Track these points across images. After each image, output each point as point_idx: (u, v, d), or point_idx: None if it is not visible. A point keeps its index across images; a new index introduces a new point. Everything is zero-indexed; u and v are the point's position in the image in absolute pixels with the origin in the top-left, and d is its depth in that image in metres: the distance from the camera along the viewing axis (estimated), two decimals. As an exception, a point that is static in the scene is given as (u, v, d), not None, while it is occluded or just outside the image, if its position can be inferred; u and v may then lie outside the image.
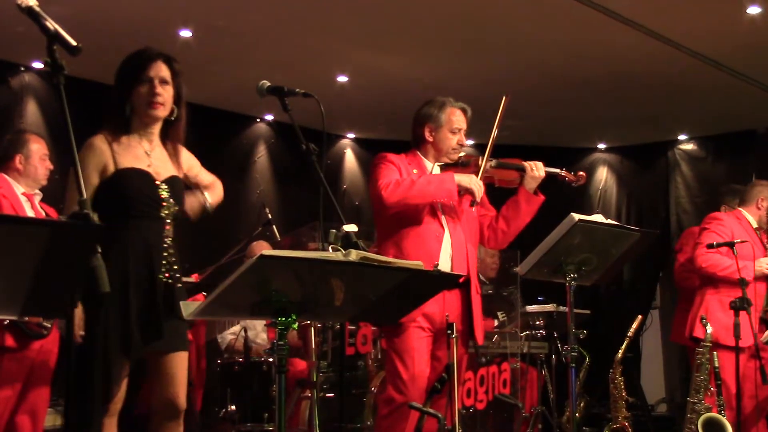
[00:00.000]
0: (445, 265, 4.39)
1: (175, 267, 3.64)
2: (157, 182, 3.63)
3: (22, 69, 7.07)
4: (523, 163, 4.65)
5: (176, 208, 3.68)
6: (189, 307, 2.73)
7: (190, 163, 3.93)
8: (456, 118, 4.59)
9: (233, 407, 6.13)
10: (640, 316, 5.54)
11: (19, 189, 4.97)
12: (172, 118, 3.73)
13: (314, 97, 3.33)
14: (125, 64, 3.69)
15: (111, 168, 3.56)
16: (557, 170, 4.70)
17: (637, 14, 6.22)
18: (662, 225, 9.67)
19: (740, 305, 5.41)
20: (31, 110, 7.06)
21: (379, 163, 4.48)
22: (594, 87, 8.03)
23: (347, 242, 3.05)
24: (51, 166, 5.15)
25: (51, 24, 2.44)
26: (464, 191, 4.43)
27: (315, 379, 5.25)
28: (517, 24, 6.54)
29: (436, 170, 4.56)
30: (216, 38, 6.68)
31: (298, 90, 3.43)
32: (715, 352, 5.42)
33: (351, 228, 3.14)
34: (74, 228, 2.12)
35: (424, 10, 6.29)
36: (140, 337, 3.47)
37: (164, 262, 3.59)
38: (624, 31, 6.42)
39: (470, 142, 9.83)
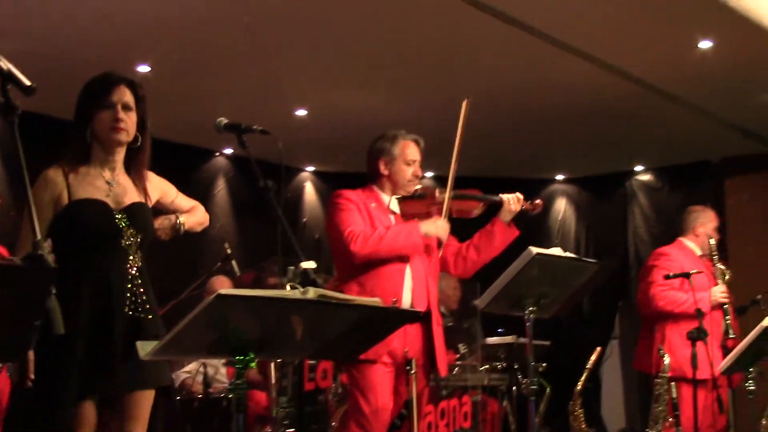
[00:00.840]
0: (406, 299, 4.41)
1: (144, 298, 3.51)
2: (115, 212, 3.50)
3: (-24, 104, 6.99)
4: (501, 195, 4.69)
5: (140, 236, 3.55)
6: (146, 347, 2.70)
7: (164, 189, 3.83)
8: (410, 150, 4.63)
9: (193, 444, 6.07)
10: (599, 348, 5.58)
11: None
12: (137, 145, 3.60)
13: (271, 134, 3.32)
14: (87, 89, 3.57)
15: (65, 200, 3.43)
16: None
17: (594, 47, 6.30)
18: (620, 255, 9.76)
19: (697, 336, 5.48)
20: (-17, 144, 6.99)
21: (338, 205, 4.47)
22: (552, 119, 8.10)
23: (305, 279, 3.05)
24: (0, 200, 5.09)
25: (4, 63, 2.42)
26: (432, 236, 4.49)
27: (275, 415, 5.21)
28: (475, 57, 6.60)
29: (394, 203, 4.58)
30: (174, 73, 6.66)
31: (255, 127, 3.42)
32: (672, 383, 5.47)
33: (309, 265, 3.13)
34: (27, 271, 2.09)
35: (382, 45, 6.33)
36: (93, 375, 3.31)
37: (129, 294, 3.46)
38: (581, 64, 6.49)
39: (429, 174, 9.92)
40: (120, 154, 3.59)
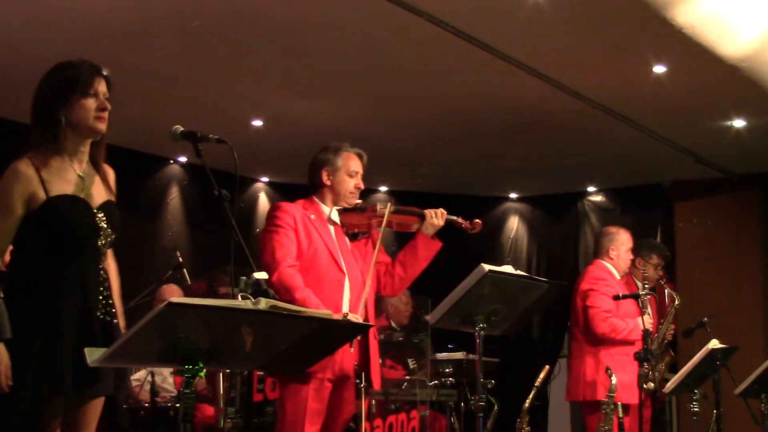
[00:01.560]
0: (345, 310, 4.41)
1: (110, 302, 3.44)
2: (94, 209, 3.41)
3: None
4: (424, 210, 4.72)
5: (114, 236, 3.47)
6: (93, 354, 2.67)
7: (115, 192, 3.67)
8: (352, 162, 4.65)
9: (139, 454, 6.01)
10: (547, 367, 5.60)
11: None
12: (98, 139, 3.50)
13: (228, 143, 3.31)
14: (65, 73, 3.44)
15: (41, 196, 3.28)
16: (455, 218, 4.77)
17: (550, 68, 6.35)
18: (571, 274, 9.80)
19: (644, 356, 5.55)
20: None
21: (273, 221, 4.45)
22: (506, 137, 8.16)
23: (257, 290, 3.04)
24: None
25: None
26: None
27: (222, 426, 5.17)
28: (432, 74, 6.62)
29: (334, 214, 4.61)
30: (130, 78, 6.59)
31: (211, 136, 3.40)
32: (619, 403, 5.52)
33: (261, 275, 3.13)
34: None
35: (339, 58, 6.33)
36: (73, 378, 3.21)
37: (100, 297, 3.39)
38: (536, 84, 6.54)
39: (383, 188, 9.95)
40: (88, 146, 3.49)
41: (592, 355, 5.99)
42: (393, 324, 7.86)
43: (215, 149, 3.51)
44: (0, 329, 2.16)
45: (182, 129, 3.49)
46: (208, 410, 5.98)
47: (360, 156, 4.71)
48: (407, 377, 7.26)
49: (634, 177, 9.52)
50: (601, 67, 6.37)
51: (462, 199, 10.02)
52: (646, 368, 5.71)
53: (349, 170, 4.63)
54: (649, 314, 6.10)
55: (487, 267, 4.21)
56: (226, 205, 3.25)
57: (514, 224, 10.47)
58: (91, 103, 3.41)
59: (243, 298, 2.81)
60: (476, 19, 5.60)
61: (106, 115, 3.43)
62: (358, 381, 4.23)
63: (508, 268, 4.40)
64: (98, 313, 3.36)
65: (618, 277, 6.25)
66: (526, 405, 5.48)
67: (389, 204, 4.63)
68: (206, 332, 2.72)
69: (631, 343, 5.91)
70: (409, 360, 7.59)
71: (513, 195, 10.50)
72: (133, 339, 2.59)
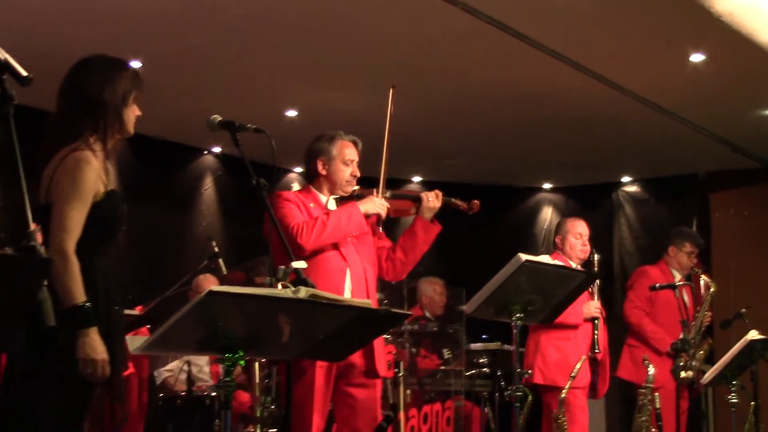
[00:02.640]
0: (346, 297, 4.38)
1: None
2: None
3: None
4: (419, 193, 4.70)
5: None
6: (135, 342, 2.69)
7: None
8: (348, 150, 4.60)
9: (175, 442, 6.05)
10: (583, 356, 5.58)
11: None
12: None
13: (265, 132, 3.31)
14: (131, 74, 3.48)
15: (101, 189, 3.30)
16: (452, 199, 4.74)
17: (585, 58, 6.32)
18: (606, 266, 9.77)
19: (681, 347, 5.52)
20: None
21: (277, 203, 4.44)
22: (540, 128, 8.12)
23: (296, 279, 3.04)
24: None
25: (1, 53, 2.41)
26: (372, 215, 4.50)
27: (259, 415, 5.19)
28: (467, 64, 6.61)
29: (332, 203, 4.57)
30: (166, 70, 6.65)
31: (249, 125, 3.41)
32: (656, 393, 5.49)
33: (300, 264, 3.13)
34: (22, 261, 2.08)
35: (373, 49, 6.33)
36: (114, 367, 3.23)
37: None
38: (571, 74, 6.51)
39: (417, 179, 9.93)
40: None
41: (534, 339, 5.93)
42: (427, 314, 7.86)
43: (250, 139, 3.52)
44: (44, 316, 2.17)
45: (220, 119, 3.51)
46: (244, 399, 6.00)
47: (355, 143, 4.66)
48: (442, 367, 7.25)
49: (669, 167, 9.44)
50: (637, 57, 6.33)
51: (496, 190, 10.00)
52: (682, 358, 5.68)
53: (345, 159, 4.58)
54: (596, 302, 5.97)
55: (524, 257, 4.19)
56: (264, 194, 3.26)
57: (547, 215, 10.41)
58: (135, 110, 3.47)
59: (282, 287, 2.82)
60: (512, 9, 5.58)
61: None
62: (397, 371, 4.22)
63: (544, 258, 4.38)
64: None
65: (573, 265, 6.04)
66: (563, 395, 5.46)
67: (383, 190, 4.59)
68: (245, 321, 2.73)
69: (571, 327, 5.77)
70: (444, 350, 7.58)
71: (547, 186, 10.46)
72: (174, 327, 2.60)
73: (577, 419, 5.63)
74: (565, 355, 5.66)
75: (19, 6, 5.63)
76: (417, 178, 10.02)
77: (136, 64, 6.46)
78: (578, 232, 5.98)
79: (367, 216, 4.46)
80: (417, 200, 4.66)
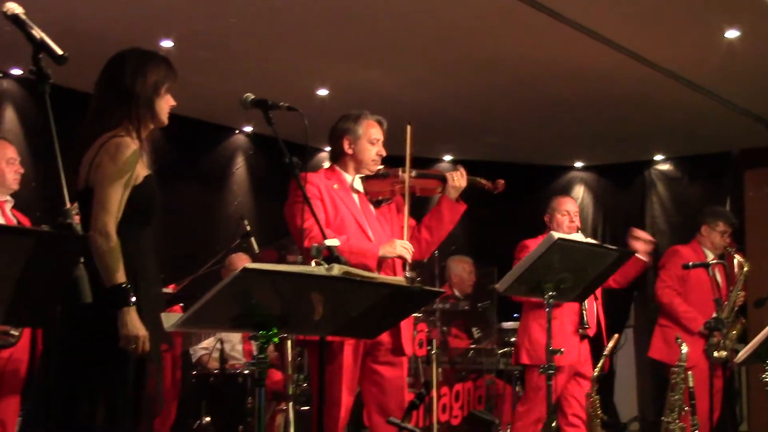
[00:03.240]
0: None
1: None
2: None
3: (0, 75, 7.02)
4: (444, 172, 4.69)
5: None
6: (170, 319, 2.72)
7: None
8: (373, 130, 4.60)
9: (208, 419, 6.10)
10: (616, 335, 5.57)
11: (-12, 196, 4.93)
12: None
13: (298, 110, 3.32)
14: (163, 64, 3.62)
15: (141, 173, 3.45)
16: (477, 179, 4.72)
17: (617, 35, 6.26)
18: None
19: (715, 325, 5.50)
20: (9, 117, 7.01)
21: (298, 195, 4.42)
22: (572, 106, 8.07)
23: (329, 256, 3.06)
24: (21, 170, 5.09)
25: (37, 32, 2.43)
26: (392, 258, 4.44)
27: (291, 392, 5.22)
28: (497, 42, 6.57)
29: (357, 182, 4.57)
30: (197, 49, 6.66)
31: (282, 103, 3.42)
32: (690, 372, 5.47)
33: (333, 242, 3.14)
34: (59, 238, 2.10)
35: (405, 27, 6.30)
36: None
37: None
38: (603, 51, 6.46)
39: (449, 158, 9.92)
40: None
41: (523, 320, 5.90)
42: (457, 293, 7.86)
43: (281, 118, 3.53)
44: (80, 293, 2.19)
45: (253, 97, 3.52)
46: (276, 376, 6.04)
47: (380, 123, 4.66)
48: (473, 346, 7.26)
49: (702, 145, 9.35)
50: (671, 34, 6.27)
51: (528, 169, 9.96)
52: (716, 337, 5.66)
53: (370, 138, 4.58)
54: None
55: (557, 235, 4.19)
56: (297, 172, 3.28)
57: (579, 193, 10.36)
58: (169, 100, 3.60)
59: (316, 264, 2.83)
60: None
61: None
62: (430, 348, 4.23)
63: (577, 236, 4.36)
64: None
65: None
66: (595, 374, 5.45)
67: (409, 169, 4.59)
68: (279, 299, 2.74)
69: (558, 305, 5.72)
70: (474, 329, 7.59)
71: (578, 164, 10.40)
72: (209, 304, 2.62)
73: (537, 400, 5.61)
74: (551, 334, 5.63)
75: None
76: (448, 157, 10.00)
77: (167, 44, 6.49)
78: (565, 209, 5.93)
79: (384, 258, 4.42)
80: (443, 179, 4.65)
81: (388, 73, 7.32)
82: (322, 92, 7.61)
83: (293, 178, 4.28)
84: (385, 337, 4.37)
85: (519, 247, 5.91)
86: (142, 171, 3.45)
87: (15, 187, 5.05)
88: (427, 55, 6.94)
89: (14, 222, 4.99)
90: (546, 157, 10.14)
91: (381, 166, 4.63)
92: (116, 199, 3.35)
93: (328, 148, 9.43)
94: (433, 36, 6.47)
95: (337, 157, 4.65)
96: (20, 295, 2.03)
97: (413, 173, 4.60)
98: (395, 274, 4.45)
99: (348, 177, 4.58)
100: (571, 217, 5.85)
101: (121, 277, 3.27)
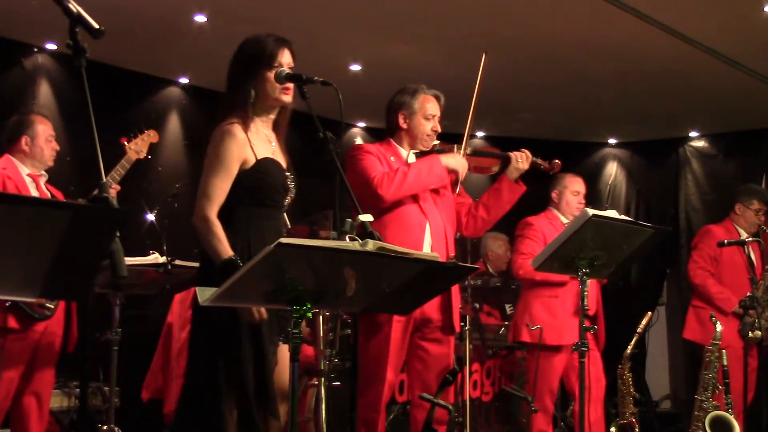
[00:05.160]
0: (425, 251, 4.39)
1: None
2: (286, 172, 3.69)
3: (36, 50, 7.05)
4: (509, 153, 4.66)
5: (292, 197, 3.75)
6: (204, 293, 2.73)
7: None
8: (430, 104, 4.59)
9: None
10: (649, 313, 5.56)
11: (24, 170, 4.96)
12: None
13: (333, 85, 3.30)
14: (251, 48, 3.72)
15: (251, 158, 3.57)
16: (537, 160, 4.73)
17: (652, 9, 6.18)
18: (671, 222, 9.64)
19: (750, 304, 5.46)
20: (44, 91, 7.05)
21: (358, 155, 4.46)
22: (606, 82, 7.99)
23: (363, 232, 3.05)
24: (57, 147, 5.13)
25: (74, 6, 2.43)
26: (451, 171, 4.48)
27: (323, 368, 5.23)
28: (531, 17, 6.51)
29: (412, 158, 4.56)
30: (230, 24, 6.64)
31: (316, 78, 3.41)
32: (724, 351, 5.43)
33: (367, 218, 3.14)
34: (96, 212, 2.11)
35: (440, 1, 6.26)
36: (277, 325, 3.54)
37: None
38: (638, 26, 6.38)
39: (481, 134, 9.87)
40: (275, 114, 3.75)
41: (523, 299, 5.85)
42: (491, 270, 7.84)
43: (313, 93, 3.53)
44: (117, 267, 2.20)
45: (287, 71, 3.52)
46: (308, 351, 6.05)
47: (437, 98, 4.64)
48: (505, 323, 7.24)
49: (738, 122, 9.23)
50: (707, 8, 6.18)
51: (560, 145, 9.88)
52: (751, 316, 5.60)
53: (426, 113, 4.57)
54: None
55: (591, 211, 4.15)
56: (332, 147, 3.27)
57: (612, 170, 10.28)
58: (274, 74, 3.64)
59: (350, 239, 2.83)
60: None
61: (291, 85, 3.63)
62: (463, 324, 4.22)
63: (612, 213, 4.33)
64: None
65: (564, 221, 5.91)
66: (628, 351, 5.43)
67: (465, 146, 4.58)
68: (313, 274, 2.74)
69: (558, 284, 5.68)
70: (507, 305, 7.57)
71: (612, 141, 10.31)
72: (243, 279, 2.62)
73: (545, 377, 5.58)
74: (553, 313, 5.63)
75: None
76: (481, 133, 9.95)
77: (200, 18, 6.49)
78: (576, 189, 5.91)
79: (447, 169, 4.45)
80: (503, 158, 4.64)
81: (421, 48, 7.28)
82: (355, 67, 7.59)
83: (353, 145, 4.33)
84: (435, 314, 4.38)
85: (521, 225, 5.89)
86: (252, 156, 3.56)
87: (50, 163, 5.09)
88: (461, 31, 6.89)
89: (48, 196, 5.03)
90: (579, 133, 10.06)
91: (437, 142, 4.61)
92: (216, 185, 3.50)
93: (360, 124, 9.50)
94: (467, 11, 6.43)
95: (393, 131, 4.64)
96: (57, 269, 2.03)
97: (468, 150, 4.60)
98: (447, 248, 4.45)
99: (403, 152, 4.58)
100: (580, 198, 5.83)
101: (226, 252, 3.41)
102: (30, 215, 1.95)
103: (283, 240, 2.51)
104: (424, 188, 4.42)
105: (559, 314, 5.59)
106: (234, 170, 3.52)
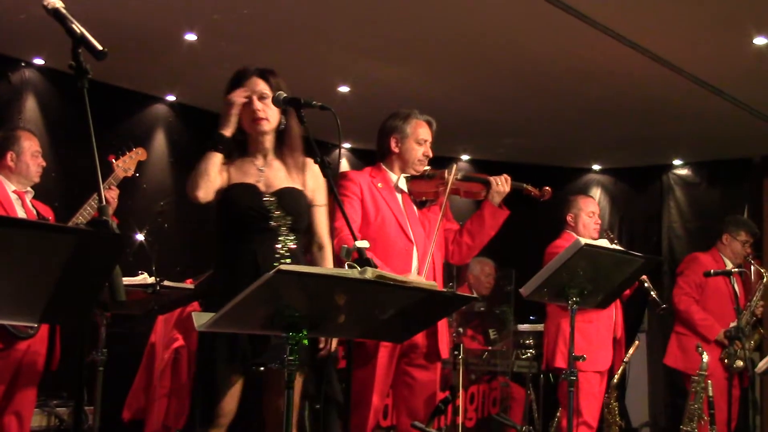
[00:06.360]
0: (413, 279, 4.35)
1: None
2: (265, 194, 3.63)
3: (23, 64, 7.01)
4: (489, 177, 4.64)
5: (290, 218, 3.65)
6: (201, 318, 2.69)
7: (316, 189, 3.83)
8: (422, 129, 4.57)
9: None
10: (636, 342, 5.54)
11: (10, 187, 4.91)
12: (281, 128, 3.74)
13: (331, 110, 3.28)
14: (228, 85, 3.75)
15: (225, 184, 3.63)
16: (523, 185, 4.68)
17: (641, 37, 6.21)
18: (654, 249, 9.68)
19: (735, 334, 5.47)
20: (30, 106, 7.00)
21: (340, 193, 4.41)
22: (591, 108, 8.03)
23: (360, 258, 3.02)
24: (43, 163, 5.09)
25: (77, 27, 2.40)
26: None
27: (308, 392, 5.19)
28: (519, 41, 6.53)
29: (402, 182, 4.54)
30: (220, 43, 6.64)
31: (315, 102, 3.38)
32: (710, 381, 5.44)
33: (363, 244, 3.11)
34: (95, 236, 2.08)
35: (428, 24, 6.27)
36: (251, 348, 3.48)
37: None
38: (625, 53, 6.41)
39: (466, 157, 9.88)
40: (269, 141, 3.72)
41: (554, 323, 5.84)
42: (474, 294, 7.83)
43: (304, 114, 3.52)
44: (115, 291, 2.17)
45: (285, 95, 3.50)
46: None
47: (429, 123, 4.62)
48: (489, 347, 7.23)
49: (722, 150, 9.30)
50: (698, 39, 6.22)
51: (544, 170, 9.89)
52: (735, 346, 5.62)
53: (418, 138, 4.55)
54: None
55: (583, 240, 4.15)
56: (329, 173, 3.26)
57: (596, 196, 10.28)
58: (245, 108, 3.68)
59: (349, 266, 2.80)
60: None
61: (261, 114, 3.65)
62: (456, 353, 4.20)
63: (603, 242, 4.33)
64: None
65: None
66: (615, 381, 5.42)
67: (455, 171, 4.55)
68: (309, 300, 2.71)
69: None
70: (490, 330, 7.55)
71: (596, 167, 10.35)
72: (241, 305, 2.59)
73: (585, 404, 5.55)
74: (589, 339, 5.59)
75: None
76: (465, 157, 9.97)
77: (191, 37, 6.47)
78: (591, 210, 5.92)
79: None
80: (487, 184, 4.61)
81: (409, 71, 7.28)
82: (344, 89, 7.58)
83: (341, 173, 4.29)
84: (421, 340, 4.35)
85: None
86: (226, 182, 3.63)
87: (36, 179, 5.05)
88: (449, 55, 6.91)
89: (34, 213, 4.98)
90: (563, 159, 10.09)
91: (427, 167, 4.59)
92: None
93: (346, 145, 9.47)
94: (455, 35, 6.44)
95: (384, 155, 4.62)
96: (58, 293, 2.00)
97: (459, 175, 4.57)
98: (435, 275, 4.44)
99: (393, 176, 4.56)
100: (596, 219, 5.84)
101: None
102: (32, 239, 1.92)
103: (282, 267, 2.48)
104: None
105: (595, 340, 5.56)
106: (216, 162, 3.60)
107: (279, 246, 3.61)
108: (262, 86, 3.68)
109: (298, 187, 3.73)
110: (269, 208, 3.62)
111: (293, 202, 3.69)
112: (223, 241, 3.63)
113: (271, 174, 3.70)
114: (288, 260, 3.59)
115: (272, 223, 3.61)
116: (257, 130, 3.67)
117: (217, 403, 3.48)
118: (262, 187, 3.64)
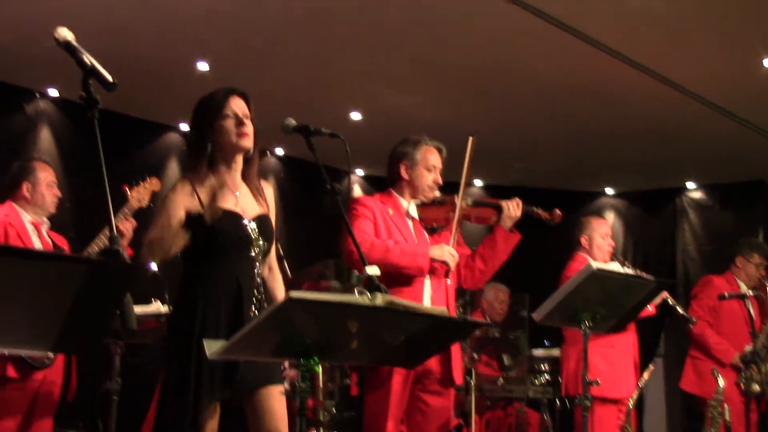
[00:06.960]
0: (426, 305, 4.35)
1: (265, 305, 3.59)
2: (245, 221, 3.62)
3: (38, 95, 7.08)
4: (500, 201, 4.64)
5: (266, 245, 3.66)
6: (212, 346, 2.70)
7: (271, 207, 3.84)
8: (432, 156, 4.57)
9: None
10: (652, 366, 5.52)
11: (26, 217, 4.93)
12: (249, 156, 3.71)
13: (341, 137, 3.30)
14: (202, 104, 3.67)
15: (197, 211, 3.54)
16: (534, 208, 4.67)
17: (653, 61, 6.23)
18: (668, 272, 9.64)
19: (750, 358, 5.44)
20: (45, 137, 7.06)
21: (353, 212, 4.44)
22: (603, 132, 8.04)
23: (370, 285, 3.03)
24: (59, 194, 5.11)
25: (88, 58, 2.43)
26: (440, 262, 4.43)
27: (322, 419, 5.19)
28: (530, 67, 6.56)
29: (412, 208, 4.54)
30: (232, 72, 6.68)
31: (324, 130, 3.41)
32: (726, 405, 5.40)
33: (373, 271, 3.12)
34: (106, 265, 2.09)
35: (439, 52, 6.31)
36: (222, 375, 3.44)
37: (254, 300, 3.57)
38: (637, 77, 6.43)
39: (479, 183, 9.88)
40: (240, 163, 3.69)
41: (575, 351, 5.78)
42: (488, 320, 7.81)
43: (303, 141, 3.53)
44: (126, 319, 2.19)
45: (295, 123, 3.52)
46: (308, 402, 6.01)
47: (439, 150, 4.62)
48: (503, 373, 7.20)
49: (735, 173, 9.27)
50: (708, 61, 6.24)
51: (557, 194, 9.90)
52: (751, 370, 5.59)
53: (428, 164, 4.55)
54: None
55: (595, 264, 4.14)
56: (339, 199, 3.27)
57: (609, 220, 10.26)
58: (229, 123, 3.60)
59: (359, 293, 2.81)
60: (580, 11, 5.52)
61: (247, 130, 3.61)
62: (468, 377, 4.19)
63: (615, 266, 4.32)
64: (251, 315, 3.53)
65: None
66: (631, 405, 5.38)
67: (465, 197, 4.55)
68: (319, 327, 2.71)
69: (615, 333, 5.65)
70: (504, 356, 7.52)
71: (609, 190, 10.34)
72: (253, 332, 2.60)
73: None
74: (612, 365, 5.56)
75: (91, 10, 5.70)
76: (479, 182, 9.98)
77: (203, 67, 6.52)
78: (604, 232, 5.91)
79: (433, 260, 4.40)
80: (498, 208, 4.61)
81: (420, 98, 7.32)
82: (356, 116, 7.62)
83: (352, 198, 4.29)
84: (435, 366, 4.34)
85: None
86: (199, 208, 3.56)
87: (52, 210, 5.07)
88: (461, 81, 6.94)
89: (50, 243, 5.00)
90: (576, 183, 10.09)
91: (438, 194, 4.59)
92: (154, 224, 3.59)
93: (359, 171, 9.51)
94: (467, 62, 6.48)
95: (394, 181, 4.61)
96: (70, 322, 2.02)
97: (469, 201, 4.57)
98: (447, 301, 4.43)
99: (404, 203, 4.55)
100: (609, 241, 5.83)
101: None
102: (45, 269, 1.93)
103: (294, 294, 2.49)
104: (399, 270, 4.34)
105: (617, 365, 5.52)
106: (178, 212, 3.52)
107: (256, 272, 3.61)
108: (244, 107, 3.66)
109: (266, 211, 3.73)
110: (252, 236, 3.62)
111: (269, 228, 3.70)
112: (200, 268, 3.56)
113: (243, 200, 3.67)
114: (262, 288, 3.62)
115: (252, 250, 3.61)
116: (241, 146, 3.61)
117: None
118: (242, 213, 3.62)
